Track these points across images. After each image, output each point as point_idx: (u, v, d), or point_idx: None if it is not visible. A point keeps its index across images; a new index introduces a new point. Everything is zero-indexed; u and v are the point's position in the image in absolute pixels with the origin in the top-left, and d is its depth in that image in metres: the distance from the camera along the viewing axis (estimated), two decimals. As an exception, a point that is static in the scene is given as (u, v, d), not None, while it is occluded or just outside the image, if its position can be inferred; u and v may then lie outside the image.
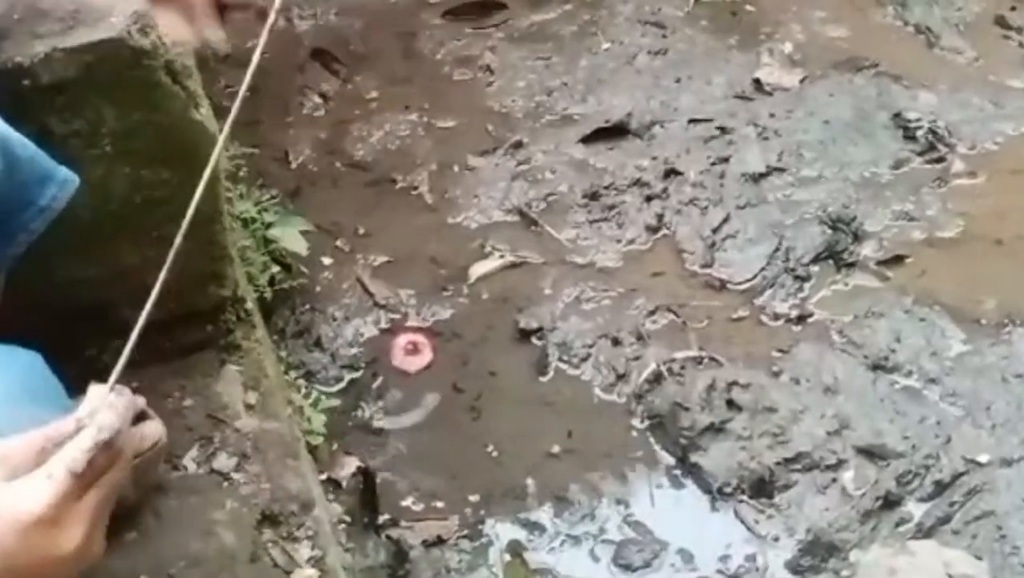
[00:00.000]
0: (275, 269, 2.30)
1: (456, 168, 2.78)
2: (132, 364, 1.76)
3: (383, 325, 2.42)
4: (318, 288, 2.47)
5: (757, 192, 2.67)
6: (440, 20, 3.21)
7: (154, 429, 1.67)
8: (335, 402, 2.23)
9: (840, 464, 2.13)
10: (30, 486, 0.87)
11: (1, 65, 1.45)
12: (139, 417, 1.68)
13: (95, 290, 1.72)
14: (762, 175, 2.71)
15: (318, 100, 2.98)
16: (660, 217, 2.62)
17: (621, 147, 2.81)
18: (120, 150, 1.59)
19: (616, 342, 2.36)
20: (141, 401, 1.70)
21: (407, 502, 2.12)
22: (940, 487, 2.10)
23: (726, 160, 2.74)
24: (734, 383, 2.23)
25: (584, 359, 2.34)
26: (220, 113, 1.53)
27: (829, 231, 2.56)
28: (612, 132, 2.84)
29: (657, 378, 2.27)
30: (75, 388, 1.23)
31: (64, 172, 1.38)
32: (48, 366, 1.20)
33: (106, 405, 0.97)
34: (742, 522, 2.09)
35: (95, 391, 0.99)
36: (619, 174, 2.71)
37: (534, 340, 2.39)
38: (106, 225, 1.64)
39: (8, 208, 1.33)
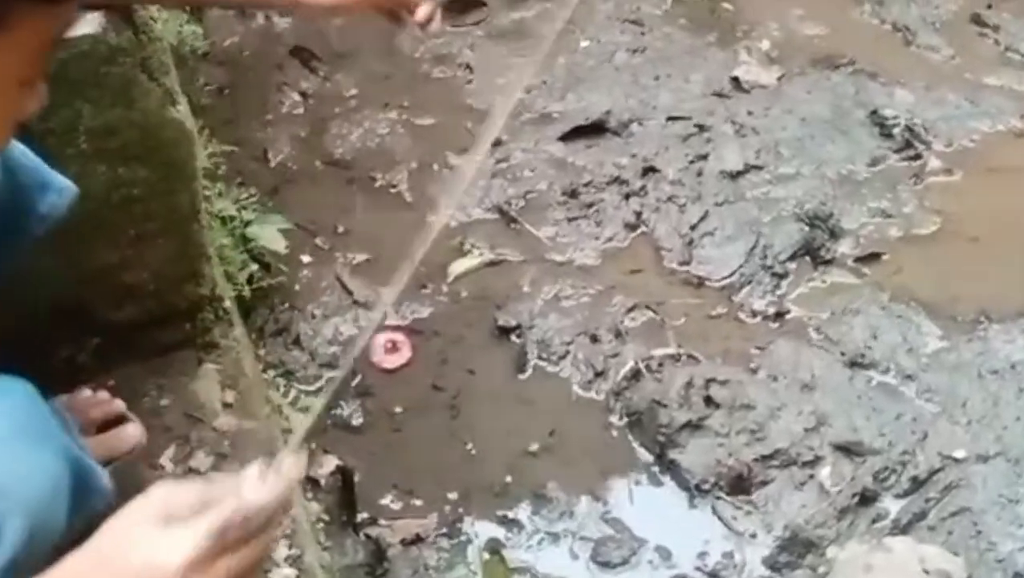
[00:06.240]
0: (254, 267, 2.29)
1: (435, 166, 2.78)
2: (108, 363, 1.75)
3: (362, 323, 2.41)
4: (297, 286, 2.47)
5: (735, 189, 2.68)
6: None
7: (134, 432, 1.68)
8: (314, 400, 2.23)
9: (817, 461, 2.14)
10: (176, 537, 0.91)
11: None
12: (119, 420, 1.68)
13: (71, 290, 1.71)
14: (740, 172, 2.72)
15: (297, 98, 2.97)
16: (638, 215, 2.63)
17: (600, 145, 2.82)
18: (96, 148, 1.59)
19: (594, 340, 2.36)
20: (120, 405, 1.71)
21: (385, 500, 2.11)
22: (916, 483, 2.11)
23: (704, 158, 2.75)
24: (712, 380, 2.23)
25: (562, 357, 2.34)
26: (198, 111, 1.53)
27: (806, 228, 2.57)
28: (591, 130, 2.85)
29: (635, 375, 2.28)
30: (50, 389, 1.22)
31: (62, 180, 1.41)
32: (38, 395, 1.18)
33: (264, 477, 0.95)
34: (720, 519, 2.09)
35: (281, 459, 0.97)
36: (598, 172, 2.72)
37: (513, 338, 2.39)
38: (83, 224, 1.63)
39: (9, 214, 1.35)
